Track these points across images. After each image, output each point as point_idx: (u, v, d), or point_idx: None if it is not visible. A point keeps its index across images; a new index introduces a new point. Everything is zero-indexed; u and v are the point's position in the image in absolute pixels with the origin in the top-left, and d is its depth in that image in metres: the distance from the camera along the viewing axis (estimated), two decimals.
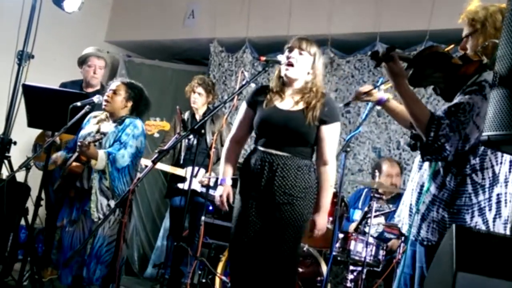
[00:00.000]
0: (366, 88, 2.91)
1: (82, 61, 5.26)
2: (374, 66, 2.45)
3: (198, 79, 5.21)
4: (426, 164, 2.44)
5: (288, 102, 3.14)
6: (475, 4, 2.45)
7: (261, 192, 3.06)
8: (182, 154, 5.16)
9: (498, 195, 2.33)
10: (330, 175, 3.12)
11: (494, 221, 2.32)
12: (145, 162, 4.60)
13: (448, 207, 2.34)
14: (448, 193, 2.35)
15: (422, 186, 2.44)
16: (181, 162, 5.14)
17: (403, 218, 2.53)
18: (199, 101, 5.17)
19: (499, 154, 2.32)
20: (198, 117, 5.22)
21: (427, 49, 2.39)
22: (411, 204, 2.47)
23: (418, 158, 2.54)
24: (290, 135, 3.07)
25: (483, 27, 2.38)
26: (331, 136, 3.12)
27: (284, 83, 3.18)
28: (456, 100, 2.33)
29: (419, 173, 2.49)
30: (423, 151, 2.32)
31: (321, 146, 3.11)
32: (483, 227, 2.30)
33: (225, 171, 3.27)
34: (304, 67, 3.12)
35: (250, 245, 3.08)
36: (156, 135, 4.63)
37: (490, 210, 2.31)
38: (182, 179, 4.99)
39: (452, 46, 2.52)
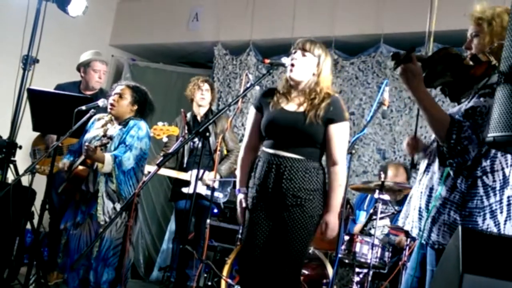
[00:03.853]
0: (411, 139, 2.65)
1: (85, 65, 5.26)
2: (393, 68, 2.41)
3: (197, 78, 5.24)
4: (435, 166, 2.42)
5: (294, 104, 3.13)
6: (482, 4, 2.44)
7: (269, 195, 3.05)
8: (186, 157, 5.16)
9: (508, 197, 2.32)
10: (338, 175, 3.07)
11: (505, 224, 2.30)
12: (149, 168, 4.59)
13: (460, 210, 2.32)
14: (459, 196, 2.33)
15: (431, 189, 2.43)
16: (185, 165, 5.14)
17: (412, 221, 2.51)
18: (207, 97, 5.20)
19: (509, 156, 2.31)
20: (200, 119, 5.22)
21: (441, 50, 2.39)
22: (420, 207, 2.46)
23: (425, 160, 2.53)
24: (298, 136, 3.05)
25: (490, 26, 2.37)
26: (339, 135, 3.07)
27: (292, 86, 3.17)
28: (471, 103, 2.32)
29: (427, 176, 2.47)
30: (445, 156, 2.29)
31: (330, 146, 3.07)
32: (495, 230, 2.28)
33: (241, 180, 3.22)
34: (307, 68, 3.10)
35: (260, 249, 3.07)
36: (165, 139, 4.64)
37: (501, 212, 2.30)
38: (187, 183, 5.00)
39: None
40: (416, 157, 2.67)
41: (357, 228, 4.75)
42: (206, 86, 5.20)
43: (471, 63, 2.34)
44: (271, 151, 3.09)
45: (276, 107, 3.14)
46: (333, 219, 3.05)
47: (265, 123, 3.16)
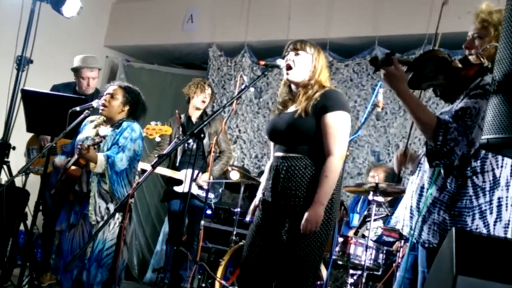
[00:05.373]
0: (401, 150, 2.68)
1: (75, 71, 5.25)
2: (373, 71, 2.42)
3: (201, 80, 5.26)
4: (426, 166, 2.43)
5: (293, 106, 3.12)
6: (488, 5, 2.40)
7: (271, 196, 3.04)
8: (179, 157, 5.16)
9: (499, 198, 2.32)
10: (328, 165, 2.90)
11: (494, 225, 2.31)
12: (143, 166, 4.59)
13: (449, 210, 2.33)
14: (448, 195, 2.34)
15: (422, 188, 2.44)
16: (177, 165, 5.14)
17: (403, 220, 2.52)
18: (207, 102, 5.23)
19: (500, 157, 2.31)
20: (194, 119, 5.23)
21: (427, 53, 2.39)
22: (411, 206, 2.47)
23: (416, 160, 2.54)
24: (291, 134, 3.01)
25: (496, 31, 2.32)
26: (334, 124, 2.94)
27: (291, 89, 3.16)
28: (462, 104, 2.32)
29: (418, 175, 2.48)
30: (432, 156, 2.28)
31: (324, 136, 2.95)
32: (484, 230, 2.29)
33: (262, 186, 3.23)
34: (303, 66, 3.08)
35: (260, 253, 3.02)
36: (157, 139, 4.63)
37: (491, 213, 2.31)
38: (179, 182, 4.99)
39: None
40: (402, 171, 2.67)
41: (351, 233, 4.76)
42: (209, 91, 5.24)
43: (459, 65, 2.34)
44: (275, 154, 3.11)
45: (277, 113, 3.17)
46: (311, 212, 2.85)
47: (267, 131, 3.21)
